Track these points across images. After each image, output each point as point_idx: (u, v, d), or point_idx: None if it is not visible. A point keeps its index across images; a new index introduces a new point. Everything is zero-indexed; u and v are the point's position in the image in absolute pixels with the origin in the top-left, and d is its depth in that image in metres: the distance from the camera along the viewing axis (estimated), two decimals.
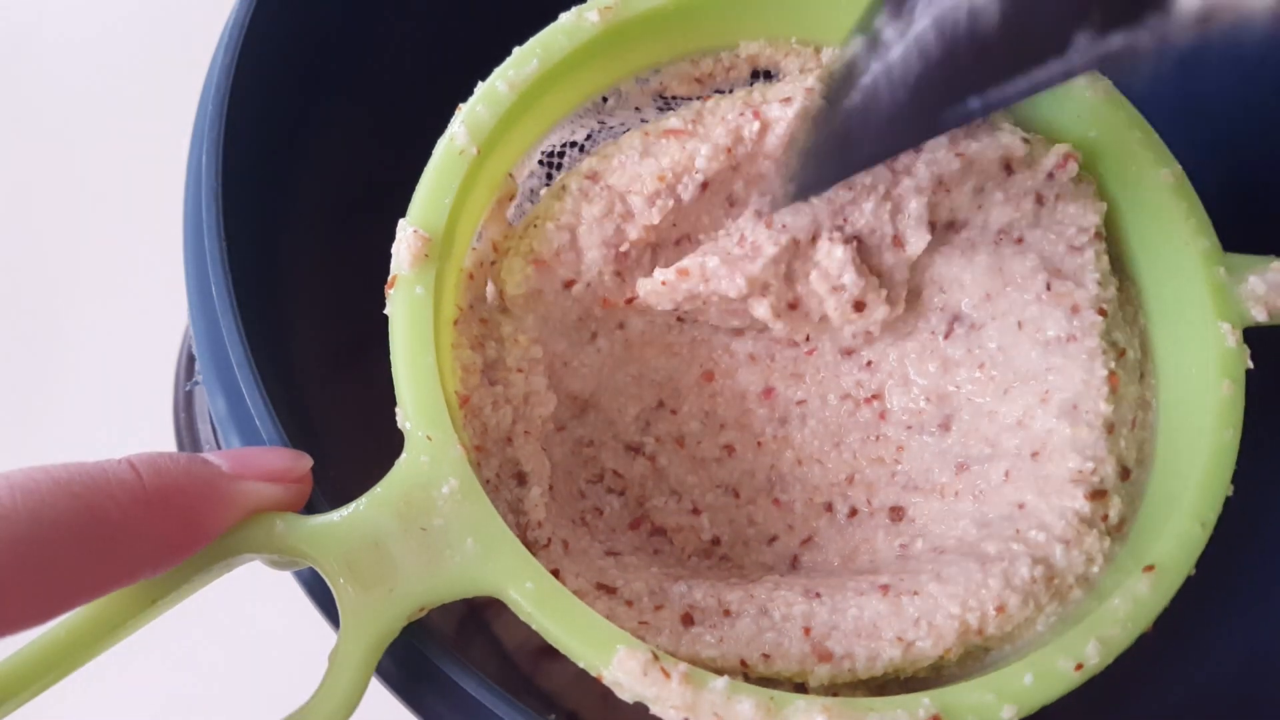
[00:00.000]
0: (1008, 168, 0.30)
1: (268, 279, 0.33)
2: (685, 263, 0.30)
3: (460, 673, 0.25)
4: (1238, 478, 0.27)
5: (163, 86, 0.54)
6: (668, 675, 0.23)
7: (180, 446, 0.37)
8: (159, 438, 0.41)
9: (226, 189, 0.30)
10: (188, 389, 0.38)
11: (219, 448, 0.29)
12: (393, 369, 0.27)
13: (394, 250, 0.28)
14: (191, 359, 0.39)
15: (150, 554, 0.23)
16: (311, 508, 0.27)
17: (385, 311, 0.27)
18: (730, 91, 0.33)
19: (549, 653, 0.25)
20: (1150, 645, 0.25)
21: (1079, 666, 0.25)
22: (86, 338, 0.52)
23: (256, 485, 0.25)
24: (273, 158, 0.34)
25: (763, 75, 0.33)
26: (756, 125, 0.30)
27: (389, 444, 0.26)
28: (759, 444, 0.32)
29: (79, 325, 0.53)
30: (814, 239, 0.30)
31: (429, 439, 0.25)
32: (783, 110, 0.30)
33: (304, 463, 0.26)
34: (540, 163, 0.33)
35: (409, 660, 0.26)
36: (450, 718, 0.26)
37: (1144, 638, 0.25)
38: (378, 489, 0.25)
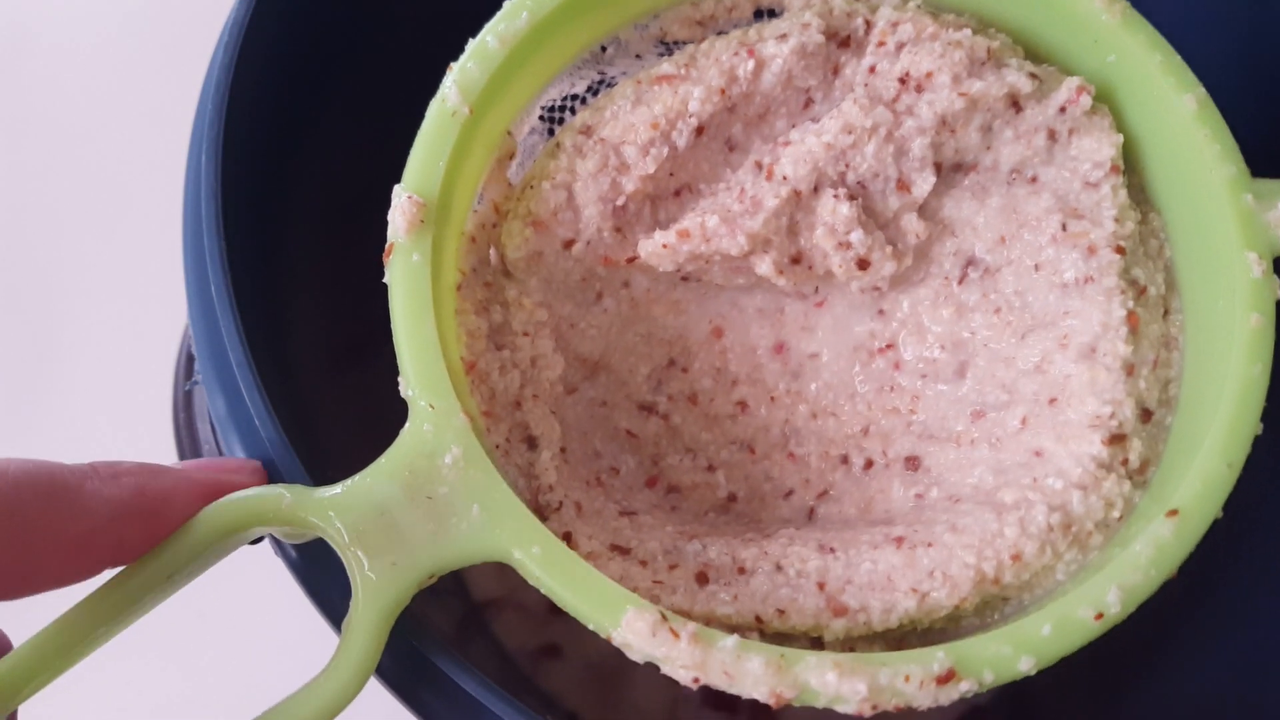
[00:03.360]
0: (1015, 104, 0.29)
1: (267, 278, 0.33)
2: (685, 223, 0.29)
3: (459, 672, 0.25)
4: (1251, 458, 0.25)
5: (162, 86, 0.54)
6: (676, 635, 0.23)
7: (179, 446, 0.38)
8: (158, 437, 0.41)
9: (226, 188, 0.30)
10: (187, 389, 0.39)
11: (218, 447, 0.29)
12: (393, 338, 0.26)
13: (389, 217, 0.27)
14: (191, 359, 0.39)
15: (111, 521, 0.24)
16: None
17: (384, 280, 0.27)
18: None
19: (549, 653, 0.25)
20: (1151, 646, 0.24)
21: (1099, 616, 0.24)
22: (85, 338, 0.53)
23: (205, 472, 0.26)
24: (272, 156, 0.34)
25: (766, 14, 0.32)
26: (751, 64, 0.29)
27: (389, 442, 0.26)
28: (772, 399, 0.32)
29: (78, 325, 0.53)
30: (816, 189, 0.29)
31: (431, 407, 0.25)
32: (778, 47, 0.29)
33: (253, 464, 0.27)
34: (541, 118, 0.32)
35: (408, 659, 0.26)
36: (449, 717, 0.26)
37: (1146, 636, 0.24)
38: (382, 459, 0.25)
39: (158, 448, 0.40)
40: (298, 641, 0.40)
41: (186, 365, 0.40)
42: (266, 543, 0.27)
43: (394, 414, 0.26)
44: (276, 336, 0.32)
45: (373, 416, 0.27)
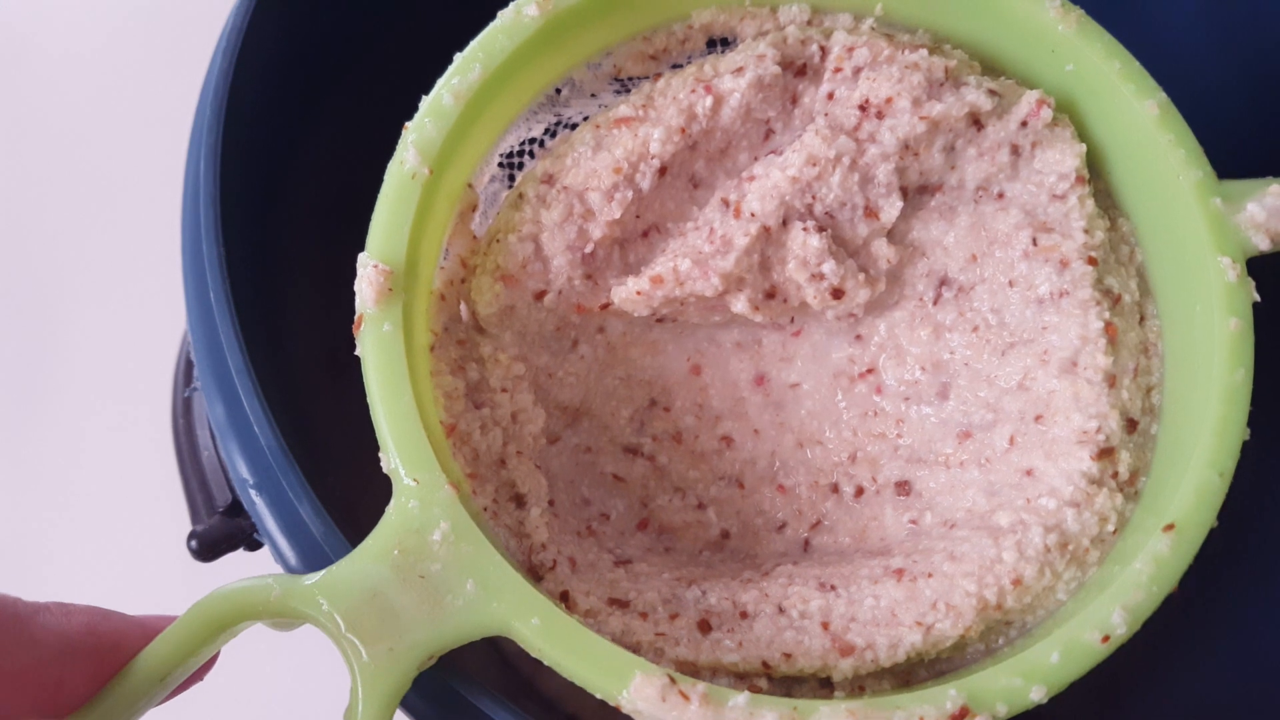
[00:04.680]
0: (976, 123, 0.29)
1: (265, 284, 0.32)
2: (658, 269, 0.29)
3: (455, 677, 0.25)
4: (1241, 471, 0.25)
5: (161, 91, 0.55)
6: (687, 698, 0.23)
7: (179, 452, 0.37)
8: (157, 444, 0.41)
9: (224, 194, 0.29)
10: (186, 395, 0.38)
11: (218, 453, 0.29)
12: (371, 412, 0.26)
13: (356, 288, 0.27)
14: (190, 365, 0.39)
15: (58, 657, 0.23)
16: (316, 521, 0.27)
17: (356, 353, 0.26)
18: (688, 64, 0.31)
19: None
20: (1153, 653, 0.24)
21: (1106, 638, 0.24)
22: (85, 344, 0.53)
23: (161, 620, 0.25)
24: (270, 162, 0.34)
25: (719, 44, 0.32)
26: (710, 100, 0.29)
27: None
28: (756, 431, 0.31)
29: (77, 332, 0.53)
30: (784, 223, 0.29)
31: (416, 482, 0.25)
32: (735, 81, 0.29)
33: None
34: (500, 165, 0.32)
35: None
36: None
37: (1148, 644, 0.24)
38: (369, 540, 0.25)
39: (157, 454, 0.41)
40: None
41: (185, 371, 0.39)
42: None
43: None
44: (275, 342, 0.32)
45: (371, 422, 0.27)
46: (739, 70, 0.29)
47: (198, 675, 0.25)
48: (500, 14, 0.29)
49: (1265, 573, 0.32)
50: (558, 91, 0.32)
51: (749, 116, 0.29)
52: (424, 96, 0.29)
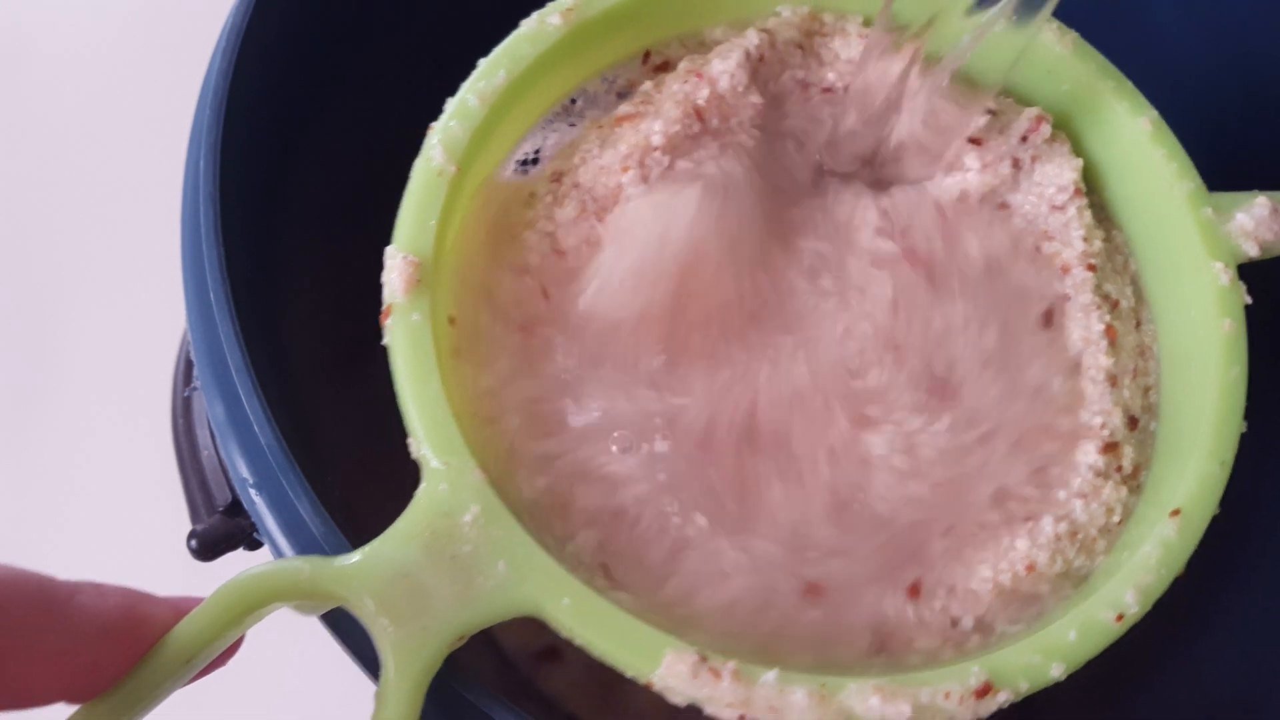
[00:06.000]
0: (976, 142, 0.30)
1: (266, 283, 0.32)
2: None
3: (455, 678, 0.25)
4: (1238, 471, 0.27)
5: (160, 91, 0.54)
6: (718, 675, 0.23)
7: (178, 452, 0.37)
8: (157, 443, 0.41)
9: (224, 193, 0.29)
10: (186, 394, 0.38)
11: (218, 454, 0.28)
12: (399, 400, 0.26)
13: (385, 279, 0.27)
14: (189, 364, 0.38)
15: (96, 638, 0.22)
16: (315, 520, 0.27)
17: (384, 342, 0.27)
18: None
19: (548, 656, 0.25)
20: (1151, 644, 0.25)
21: (1120, 617, 0.25)
22: (85, 344, 0.53)
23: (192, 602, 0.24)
24: (270, 161, 0.34)
25: None
26: (706, 91, 0.30)
27: (389, 448, 0.26)
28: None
29: (77, 331, 0.53)
30: None
31: (445, 466, 0.25)
32: (724, 63, 0.30)
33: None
34: (515, 172, 0.33)
35: None
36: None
37: (1150, 633, 0.25)
38: (400, 523, 0.25)
39: (157, 454, 0.40)
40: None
41: (185, 371, 0.39)
42: None
43: (393, 420, 0.26)
44: (275, 342, 0.32)
45: (373, 420, 0.27)
46: (725, 55, 0.30)
47: (221, 660, 0.25)
48: (524, 22, 0.30)
49: (1264, 556, 0.33)
50: (573, 102, 0.33)
51: None
52: (449, 98, 0.29)
